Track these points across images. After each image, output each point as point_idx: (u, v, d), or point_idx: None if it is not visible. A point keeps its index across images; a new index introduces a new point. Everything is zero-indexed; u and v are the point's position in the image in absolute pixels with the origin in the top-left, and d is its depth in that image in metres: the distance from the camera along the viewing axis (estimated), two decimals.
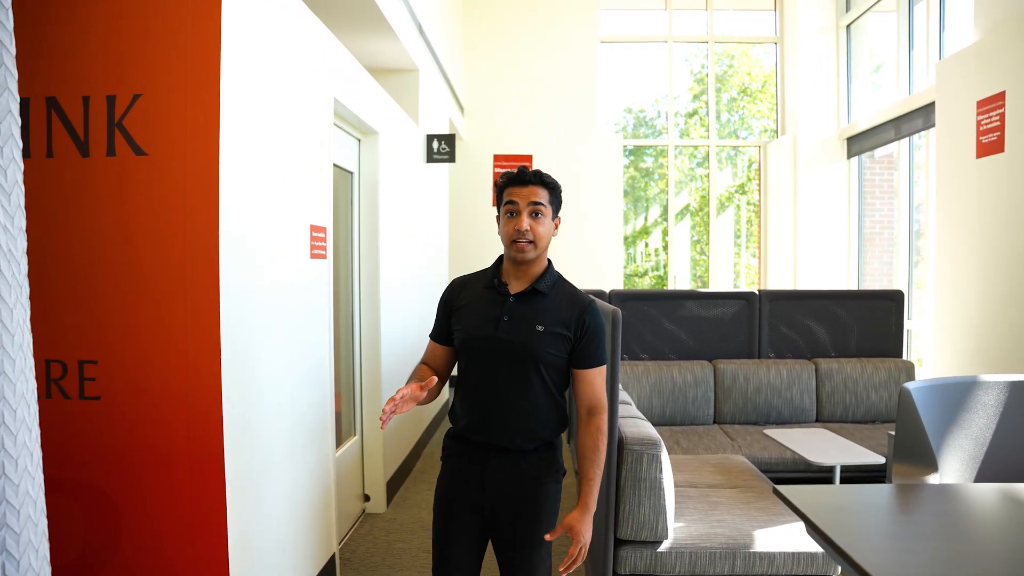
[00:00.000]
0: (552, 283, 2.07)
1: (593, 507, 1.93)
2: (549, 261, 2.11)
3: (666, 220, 9.47)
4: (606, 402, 2.01)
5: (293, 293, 2.81)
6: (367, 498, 4.35)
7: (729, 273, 9.36)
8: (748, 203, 9.52)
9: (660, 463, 2.62)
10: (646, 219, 9.64)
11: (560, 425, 2.04)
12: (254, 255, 2.43)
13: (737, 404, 4.67)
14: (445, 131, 5.93)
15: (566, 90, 8.82)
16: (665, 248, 9.51)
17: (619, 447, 2.64)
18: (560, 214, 2.10)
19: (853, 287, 8.30)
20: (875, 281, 8.28)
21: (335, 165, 3.91)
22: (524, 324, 1.97)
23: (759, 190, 9.21)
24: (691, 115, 9.42)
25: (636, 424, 2.80)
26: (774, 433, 3.63)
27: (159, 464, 2.14)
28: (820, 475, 3.95)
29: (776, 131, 9.15)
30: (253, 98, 2.40)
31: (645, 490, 2.60)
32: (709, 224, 9.21)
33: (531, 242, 1.99)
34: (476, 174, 8.79)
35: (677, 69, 9.36)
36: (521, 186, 2.01)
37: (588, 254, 8.77)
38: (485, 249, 8.96)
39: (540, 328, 1.96)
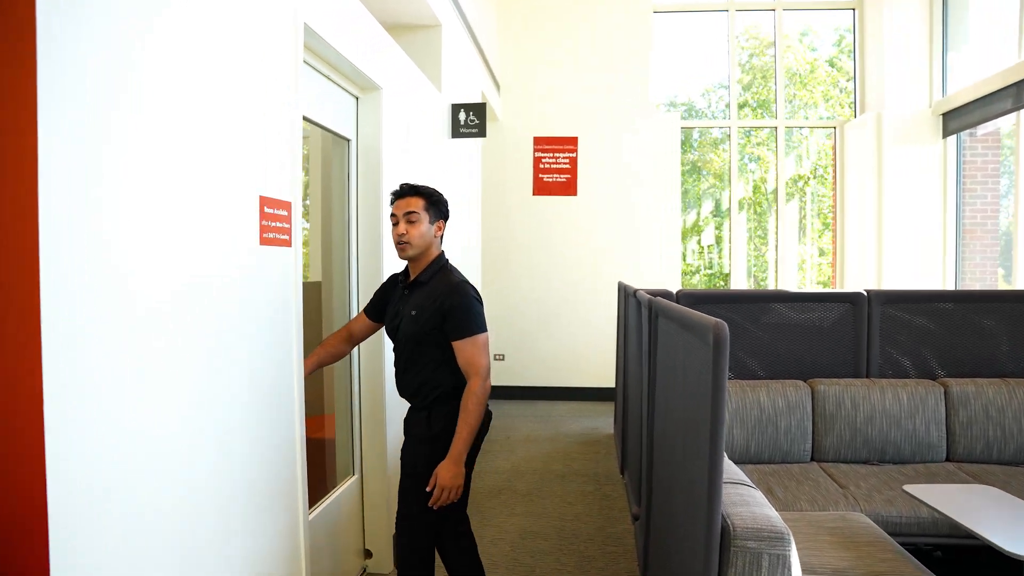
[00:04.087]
0: (432, 274, 2.52)
1: (457, 457, 2.38)
2: (440, 257, 2.58)
3: (719, 214, 8.43)
4: (480, 368, 2.42)
5: (227, 296, 1.90)
6: (368, 554, 3.44)
7: (793, 271, 8.22)
8: (812, 193, 8.38)
9: (788, 567, 1.63)
10: (698, 215, 8.57)
11: (445, 391, 2.49)
12: (135, 243, 1.51)
13: (842, 437, 3.63)
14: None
15: (615, 65, 7.81)
16: (719, 243, 8.47)
17: (722, 540, 1.66)
18: (445, 218, 2.59)
19: (950, 287, 7.13)
20: (978, 281, 7.09)
21: (326, 129, 3.00)
22: (405, 309, 2.52)
23: (834, 176, 8.07)
24: (742, 105, 8.29)
25: (743, 498, 1.81)
26: (919, 492, 2.60)
27: None
28: (969, 541, 2.91)
29: (853, 109, 8.00)
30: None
31: None
32: (776, 215, 8.10)
33: (408, 243, 2.48)
34: (514, 159, 7.84)
35: (729, 48, 8.27)
36: (399, 199, 2.52)
37: (640, 249, 7.76)
38: (525, 246, 8.05)
39: (414, 312, 2.47)
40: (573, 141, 7.80)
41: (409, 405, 2.60)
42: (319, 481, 3.25)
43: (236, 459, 1.95)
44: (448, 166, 4.87)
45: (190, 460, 1.73)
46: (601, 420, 6.78)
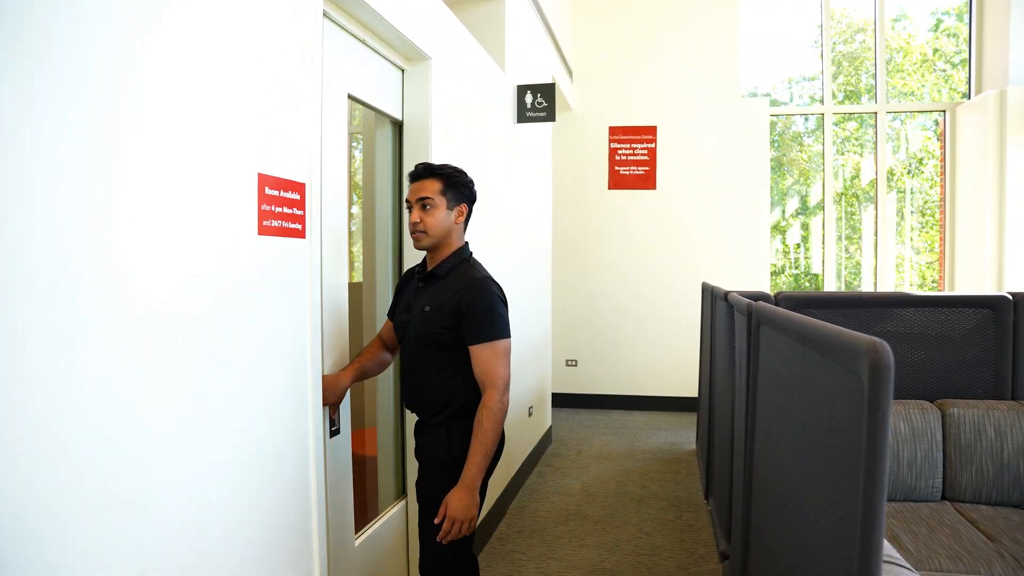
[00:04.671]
0: (451, 267, 2.21)
1: (471, 483, 2.02)
2: (462, 249, 2.27)
3: (805, 211, 7.73)
4: (497, 380, 2.09)
5: (206, 299, 1.48)
6: None
7: (890, 273, 7.41)
8: (909, 187, 7.55)
9: None
10: (782, 212, 7.87)
11: (464, 403, 2.15)
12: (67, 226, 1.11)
13: (983, 473, 2.99)
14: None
15: (698, 49, 7.19)
16: (805, 242, 7.77)
17: None
18: (463, 202, 2.25)
19: None
20: None
21: (363, 103, 2.59)
22: (418, 305, 2.21)
23: (942, 166, 7.22)
24: (820, 100, 7.53)
25: None
26: None
27: None
28: None
29: (968, 90, 7.14)
30: None
31: None
32: (876, 210, 7.32)
33: (424, 232, 2.18)
34: (588, 150, 7.33)
35: (823, 26, 7.53)
36: (413, 182, 2.23)
37: (725, 247, 7.12)
38: (599, 244, 7.50)
39: (427, 308, 2.16)
40: (652, 131, 7.23)
41: (417, 419, 2.30)
42: (366, 502, 2.88)
43: (229, 501, 1.53)
44: (513, 155, 4.41)
45: (200, 497, 1.31)
46: (682, 434, 6.20)
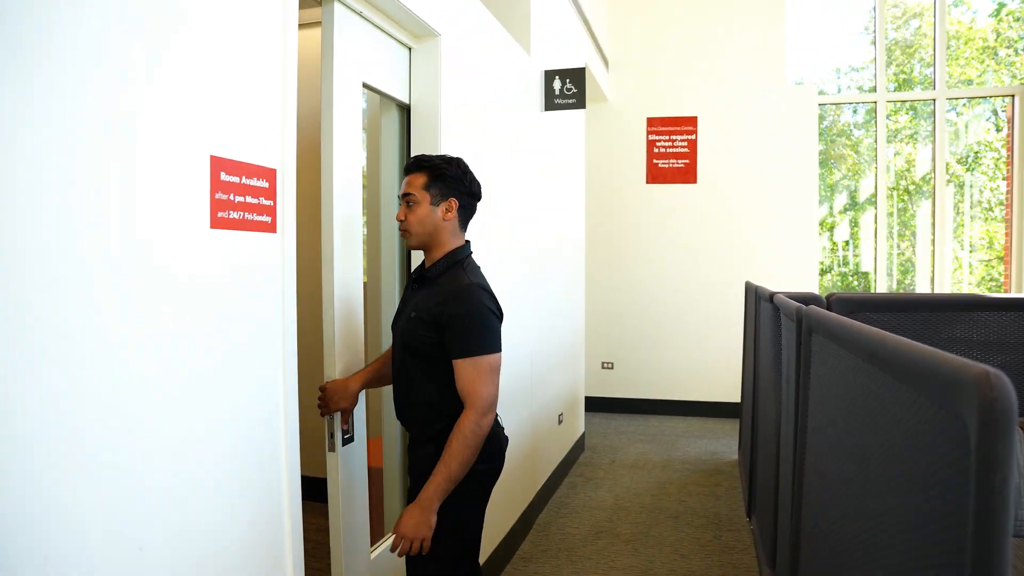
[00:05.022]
0: (442, 270, 2.00)
1: (426, 504, 1.83)
2: (459, 250, 2.03)
3: (854, 207, 7.30)
4: (477, 400, 1.87)
5: (146, 310, 1.23)
6: None
7: (947, 271, 6.91)
8: (963, 183, 7.05)
9: None
10: (830, 209, 7.44)
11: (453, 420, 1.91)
12: None
13: None
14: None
15: (743, 33, 6.80)
16: (854, 238, 7.40)
17: None
18: (453, 196, 2.01)
19: None
20: None
21: (374, 90, 2.34)
22: (407, 309, 2.03)
23: (1009, 156, 6.71)
24: (870, 89, 7.04)
25: None
26: None
27: None
28: None
29: None
30: None
31: None
32: (933, 204, 6.84)
33: (407, 231, 2.01)
34: (625, 143, 7.00)
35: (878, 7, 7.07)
36: (404, 176, 2.05)
37: (770, 244, 6.72)
38: (636, 241, 7.12)
39: (413, 314, 1.97)
40: (692, 121, 6.86)
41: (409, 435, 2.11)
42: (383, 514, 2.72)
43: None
44: (541, 146, 4.12)
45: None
46: (723, 442, 5.83)
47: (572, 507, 4.27)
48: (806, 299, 2.80)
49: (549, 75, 4.10)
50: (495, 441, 2.00)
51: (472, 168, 2.09)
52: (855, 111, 7.46)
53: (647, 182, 6.95)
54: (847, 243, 7.62)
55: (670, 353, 6.90)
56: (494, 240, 3.26)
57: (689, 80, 6.87)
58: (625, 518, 4.09)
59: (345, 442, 2.15)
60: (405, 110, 2.66)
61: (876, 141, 6.95)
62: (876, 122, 6.94)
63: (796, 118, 6.67)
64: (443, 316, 1.90)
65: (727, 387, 6.67)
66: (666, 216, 6.91)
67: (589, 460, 5.28)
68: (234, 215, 1.48)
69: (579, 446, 5.39)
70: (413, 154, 2.69)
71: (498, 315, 1.97)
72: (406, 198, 1.99)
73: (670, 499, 4.41)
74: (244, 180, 1.51)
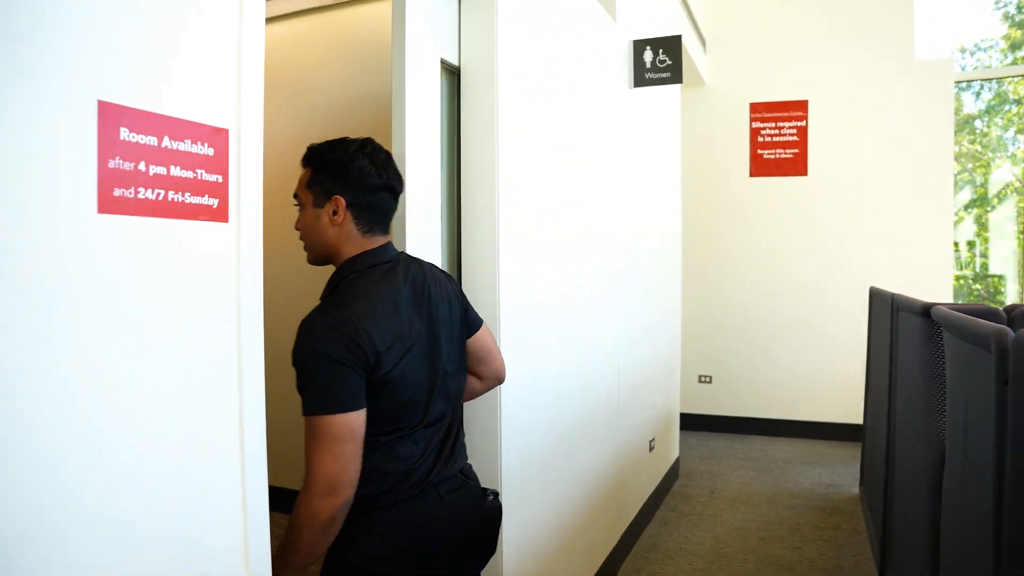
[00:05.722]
0: (327, 293, 1.51)
1: None
2: (353, 260, 1.49)
3: (980, 203, 6.42)
4: (309, 476, 1.33)
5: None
6: None
7: None
8: None
9: None
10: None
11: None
12: None
13: None
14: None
15: (861, 3, 5.97)
16: (981, 238, 6.56)
17: None
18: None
19: None
20: None
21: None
22: None
23: None
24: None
25: None
26: None
27: None
28: None
29: None
30: None
31: None
32: None
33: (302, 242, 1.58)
34: (725, 131, 6.28)
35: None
36: None
37: (894, 246, 5.86)
38: (738, 241, 6.35)
39: None
40: (802, 106, 6.08)
41: None
42: None
43: None
44: (627, 131, 3.54)
45: None
46: (840, 472, 5.06)
47: (664, 550, 3.65)
48: (981, 312, 2.11)
49: (639, 45, 3.51)
50: (398, 523, 1.45)
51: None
52: (977, 96, 6.59)
53: (751, 175, 6.22)
54: (971, 243, 6.73)
55: (775, 366, 6.14)
56: (565, 239, 2.70)
57: (797, 59, 6.09)
58: (727, 567, 3.45)
59: None
60: (454, 73, 2.15)
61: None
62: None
63: (927, 99, 5.79)
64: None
65: (842, 406, 5.86)
66: (772, 213, 6.15)
67: (684, 490, 4.64)
68: (146, 194, 0.99)
69: (673, 473, 4.76)
70: (466, 129, 2.18)
71: (349, 360, 1.35)
72: (297, 200, 1.55)
73: (781, 544, 3.73)
74: (168, 143, 1.02)
